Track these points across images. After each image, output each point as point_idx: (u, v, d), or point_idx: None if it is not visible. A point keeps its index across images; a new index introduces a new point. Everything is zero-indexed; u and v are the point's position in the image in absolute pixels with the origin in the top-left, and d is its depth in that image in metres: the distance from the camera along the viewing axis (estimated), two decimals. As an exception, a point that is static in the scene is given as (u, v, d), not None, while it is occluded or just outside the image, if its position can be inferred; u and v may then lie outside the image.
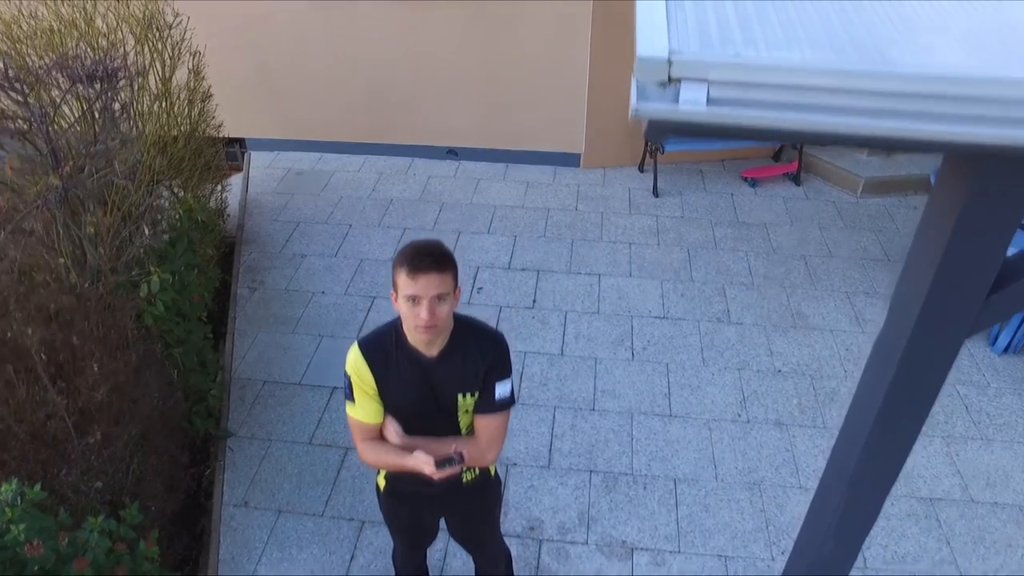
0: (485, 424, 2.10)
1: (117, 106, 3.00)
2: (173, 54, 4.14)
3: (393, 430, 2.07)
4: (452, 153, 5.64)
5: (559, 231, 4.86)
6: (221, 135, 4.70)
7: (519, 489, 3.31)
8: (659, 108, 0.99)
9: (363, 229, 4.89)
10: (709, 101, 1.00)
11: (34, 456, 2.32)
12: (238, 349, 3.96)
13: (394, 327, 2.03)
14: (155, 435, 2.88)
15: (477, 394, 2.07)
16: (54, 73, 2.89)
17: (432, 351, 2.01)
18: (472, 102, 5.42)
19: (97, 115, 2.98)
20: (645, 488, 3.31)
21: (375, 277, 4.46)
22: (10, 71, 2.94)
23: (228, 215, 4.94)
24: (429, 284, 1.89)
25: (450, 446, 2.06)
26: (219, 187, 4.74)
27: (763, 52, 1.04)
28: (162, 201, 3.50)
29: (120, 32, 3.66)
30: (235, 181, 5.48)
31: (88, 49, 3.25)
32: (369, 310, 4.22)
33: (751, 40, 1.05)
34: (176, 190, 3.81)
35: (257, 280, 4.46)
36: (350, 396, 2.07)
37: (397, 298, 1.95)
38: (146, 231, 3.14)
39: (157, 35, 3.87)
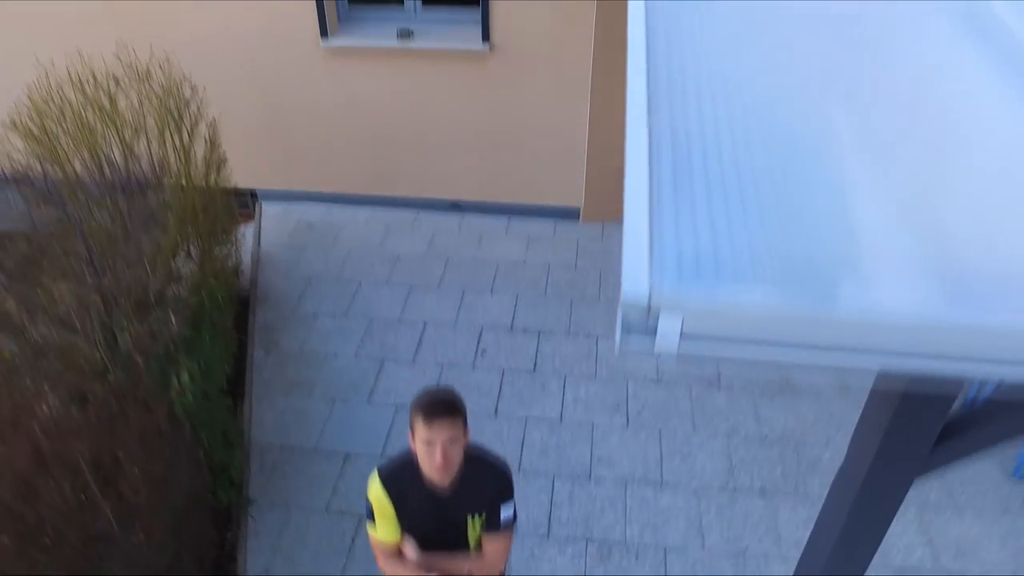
0: (492, 542, 2.35)
1: (147, 211, 3.24)
2: (192, 130, 4.37)
3: (411, 549, 2.32)
4: (456, 206, 5.87)
5: (559, 289, 5.10)
6: (232, 186, 4.94)
7: (520, 558, 3.56)
8: (641, 341, 1.23)
9: (372, 286, 5.12)
10: (682, 336, 1.24)
11: (84, 557, 2.57)
12: (256, 414, 4.21)
13: (410, 461, 2.28)
14: (188, 518, 3.13)
15: (484, 516, 2.32)
16: (87, 180, 3.12)
17: (445, 484, 2.26)
18: (476, 156, 5.64)
19: (128, 220, 3.21)
20: (637, 558, 3.56)
21: (383, 339, 4.71)
22: (48, 178, 3.18)
23: (241, 271, 5.18)
24: (442, 430, 2.16)
25: (462, 565, 2.32)
26: (233, 246, 4.98)
27: (730, 286, 1.28)
28: (182, 281, 3.74)
29: (142, 115, 3.89)
30: (247, 232, 5.71)
31: (116, 141, 3.48)
32: (378, 374, 4.46)
33: (723, 268, 1.29)
34: (193, 264, 4.03)
35: (272, 341, 4.70)
36: (371, 519, 2.32)
37: (414, 439, 2.21)
38: (172, 319, 3.38)
39: (177, 114, 4.09)
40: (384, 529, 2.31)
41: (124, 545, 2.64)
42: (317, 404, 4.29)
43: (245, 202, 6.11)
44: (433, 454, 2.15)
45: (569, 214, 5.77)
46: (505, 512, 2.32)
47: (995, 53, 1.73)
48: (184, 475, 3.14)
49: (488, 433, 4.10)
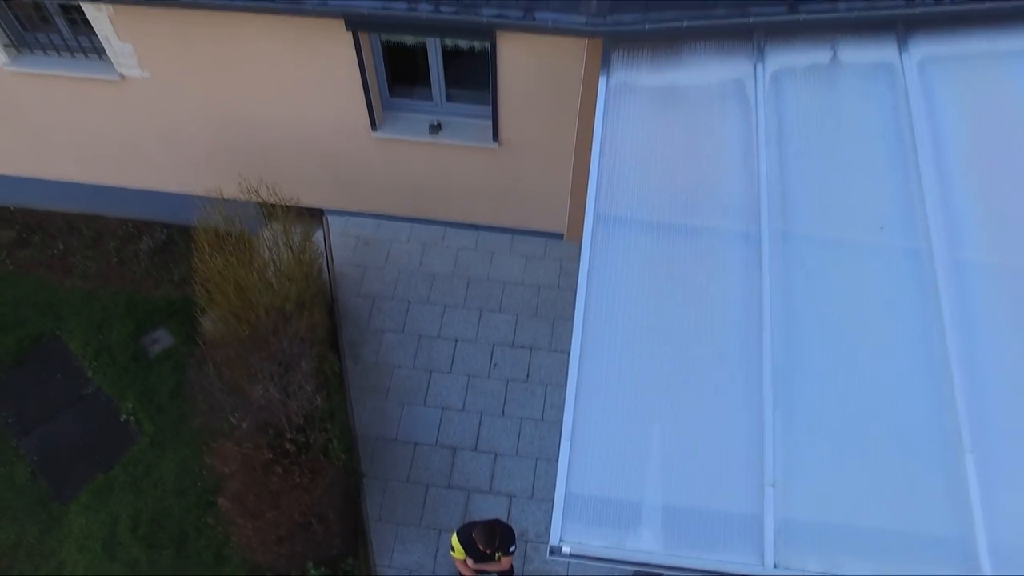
0: (507, 557, 5.15)
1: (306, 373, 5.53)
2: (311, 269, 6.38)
3: (469, 562, 5.12)
4: (473, 226, 7.88)
5: (546, 309, 7.39)
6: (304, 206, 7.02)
7: (517, 512, 6.41)
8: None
9: (417, 305, 7.41)
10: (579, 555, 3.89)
11: (297, 540, 5.38)
12: (355, 414, 6.81)
13: (470, 534, 4.96)
14: (343, 504, 5.90)
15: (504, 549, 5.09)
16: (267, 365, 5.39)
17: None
18: (488, 198, 7.52)
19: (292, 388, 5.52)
20: (581, 509, 6.40)
21: (430, 352, 7.14)
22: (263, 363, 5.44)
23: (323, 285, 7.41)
24: (489, 568, 4.83)
25: (494, 567, 5.16)
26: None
27: (620, 534, 3.88)
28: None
29: (288, 285, 5.93)
30: (319, 237, 7.80)
31: (280, 322, 5.63)
32: (429, 382, 6.99)
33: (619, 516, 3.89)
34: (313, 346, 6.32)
35: (356, 354, 7.14)
36: (452, 548, 5.09)
37: (465, 562, 4.90)
38: (319, 399, 5.83)
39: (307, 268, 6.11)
40: (458, 551, 5.08)
41: (317, 533, 5.45)
42: (392, 405, 6.88)
43: (314, 212, 8.09)
44: (478, 571, 4.87)
45: (555, 235, 7.82)
46: (512, 546, 5.07)
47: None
48: (339, 482, 5.83)
49: (497, 428, 6.75)
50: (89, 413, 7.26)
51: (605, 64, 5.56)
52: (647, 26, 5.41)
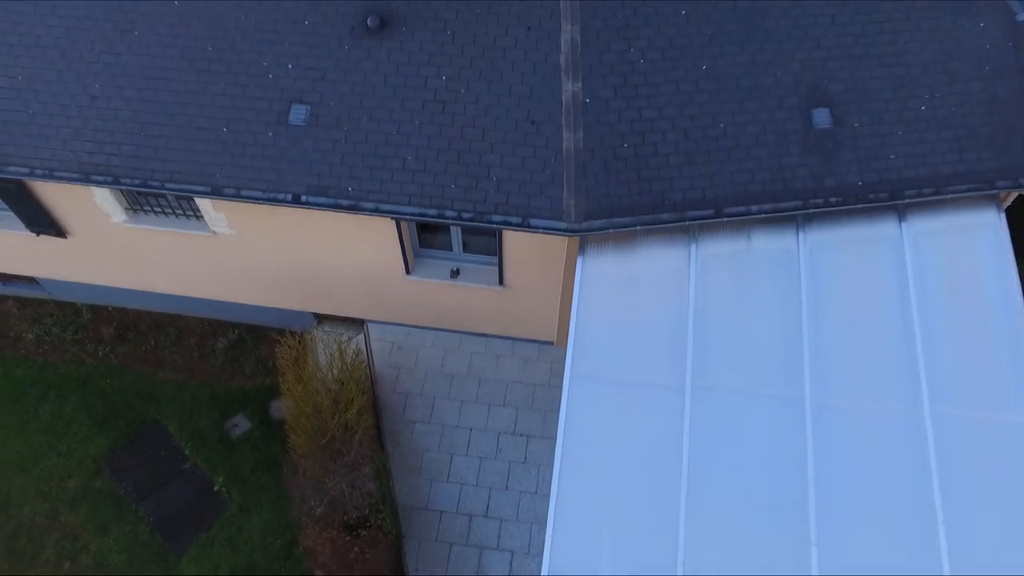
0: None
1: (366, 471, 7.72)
2: (361, 376, 8.56)
3: None
4: (483, 335, 10.07)
5: (540, 404, 9.59)
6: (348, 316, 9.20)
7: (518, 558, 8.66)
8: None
9: (441, 401, 9.60)
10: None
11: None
12: (396, 489, 9.02)
13: None
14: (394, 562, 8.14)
15: None
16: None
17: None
18: (497, 315, 9.71)
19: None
20: (565, 562, 8.68)
21: (451, 439, 9.35)
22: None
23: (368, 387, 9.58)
24: None
25: None
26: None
27: None
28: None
29: (344, 389, 8.10)
30: (359, 340, 9.97)
31: (345, 435, 7.80)
32: (451, 463, 9.19)
33: None
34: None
35: (395, 441, 9.34)
36: None
37: None
38: (374, 488, 8.04)
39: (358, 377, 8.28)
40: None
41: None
42: (423, 481, 9.10)
43: (356, 321, 10.27)
44: None
45: (547, 342, 10.02)
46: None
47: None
48: (390, 547, 8.05)
49: (502, 499, 8.97)
50: (189, 484, 9.48)
51: (581, 251, 7.79)
52: (611, 229, 7.59)
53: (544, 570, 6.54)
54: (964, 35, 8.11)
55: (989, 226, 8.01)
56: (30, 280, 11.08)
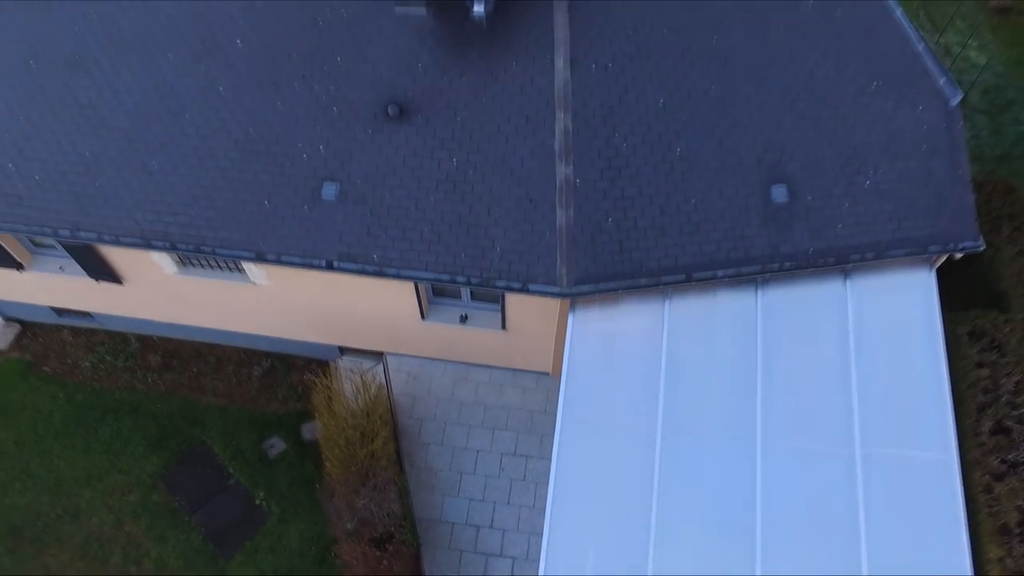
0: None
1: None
2: (383, 409, 9.96)
3: None
4: (488, 367, 11.47)
5: (537, 428, 11.00)
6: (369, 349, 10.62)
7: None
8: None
9: (451, 426, 11.02)
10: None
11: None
12: (415, 503, 10.47)
13: None
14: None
15: None
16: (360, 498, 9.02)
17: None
18: (500, 352, 11.09)
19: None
20: (559, 566, 10.18)
21: (461, 460, 10.78)
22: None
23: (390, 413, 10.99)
24: None
25: None
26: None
27: None
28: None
29: (368, 419, 9.50)
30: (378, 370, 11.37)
31: (373, 465, 9.22)
32: (460, 481, 10.63)
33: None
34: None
35: (412, 462, 10.78)
36: None
37: None
38: (397, 508, 9.48)
39: (381, 411, 9.69)
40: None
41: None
42: (436, 497, 10.54)
43: (377, 353, 11.66)
44: None
45: (543, 373, 11.41)
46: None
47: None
48: (411, 558, 9.53)
49: (504, 513, 10.42)
50: (234, 498, 10.94)
51: (572, 309, 9.16)
52: (597, 292, 8.93)
53: (541, 570, 8.02)
54: (904, 118, 9.39)
55: (922, 285, 9.37)
56: (83, 312, 12.45)
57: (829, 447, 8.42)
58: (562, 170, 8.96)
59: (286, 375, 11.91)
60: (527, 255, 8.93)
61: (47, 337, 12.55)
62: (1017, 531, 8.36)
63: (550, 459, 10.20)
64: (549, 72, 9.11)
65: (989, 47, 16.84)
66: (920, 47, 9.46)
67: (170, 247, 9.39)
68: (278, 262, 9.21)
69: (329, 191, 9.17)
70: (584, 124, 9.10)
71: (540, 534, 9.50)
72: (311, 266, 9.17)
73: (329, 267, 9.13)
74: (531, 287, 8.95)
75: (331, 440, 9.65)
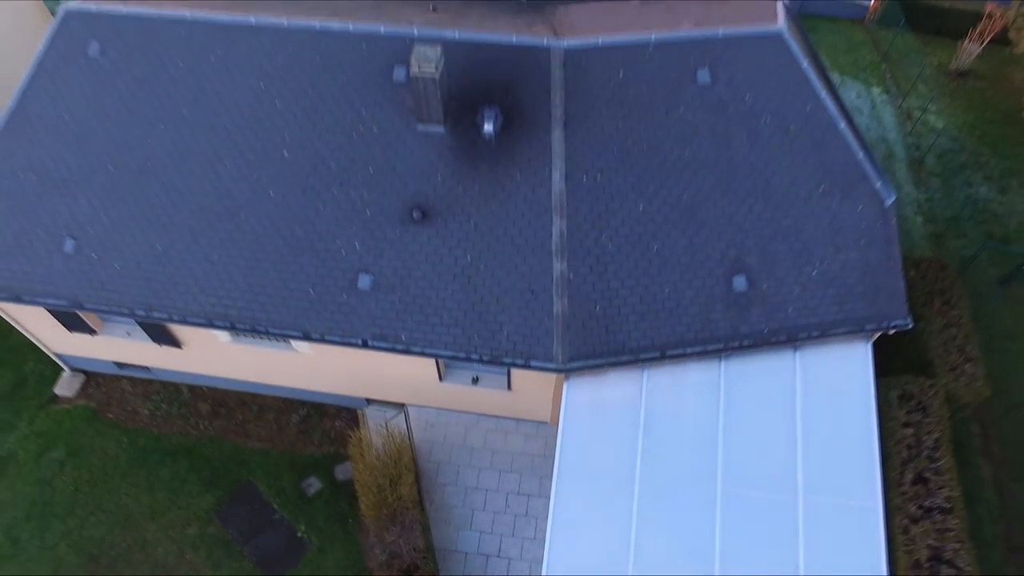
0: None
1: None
2: (407, 456, 11.79)
3: None
4: (495, 416, 13.30)
5: (538, 470, 12.83)
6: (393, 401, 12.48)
7: (522, 589, 12.01)
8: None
9: (464, 469, 12.84)
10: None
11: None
12: (436, 536, 12.31)
13: None
14: (432, 596, 11.49)
15: None
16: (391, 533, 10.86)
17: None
18: (504, 405, 12.91)
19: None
20: (556, 590, 12.04)
21: (472, 499, 12.60)
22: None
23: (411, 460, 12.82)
24: None
25: None
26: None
27: None
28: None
29: (394, 467, 11.32)
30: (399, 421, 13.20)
31: (401, 507, 11.05)
32: (472, 517, 12.47)
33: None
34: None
35: (431, 499, 12.61)
36: None
37: None
38: (420, 542, 11.32)
39: (405, 457, 11.53)
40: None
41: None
42: (452, 530, 12.39)
43: (399, 404, 13.50)
44: None
45: (543, 423, 13.24)
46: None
47: None
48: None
49: (509, 544, 12.26)
50: (279, 531, 12.78)
51: (566, 381, 10.97)
52: (586, 369, 10.75)
53: (544, 570, 9.89)
54: (847, 216, 11.20)
55: (859, 357, 11.20)
56: (143, 366, 14.27)
57: (776, 495, 10.27)
58: (558, 266, 10.76)
59: (320, 422, 13.74)
60: (529, 337, 10.75)
61: (109, 386, 14.37)
62: (927, 565, 10.20)
63: (548, 497, 12.02)
64: (547, 183, 10.91)
65: (947, 111, 18.62)
66: (860, 155, 11.27)
67: (230, 327, 11.21)
68: (322, 340, 11.03)
69: (364, 282, 10.98)
70: (576, 227, 10.89)
71: (540, 562, 11.36)
72: (349, 344, 10.99)
73: (364, 345, 10.95)
74: (532, 363, 10.77)
75: (365, 486, 11.48)
